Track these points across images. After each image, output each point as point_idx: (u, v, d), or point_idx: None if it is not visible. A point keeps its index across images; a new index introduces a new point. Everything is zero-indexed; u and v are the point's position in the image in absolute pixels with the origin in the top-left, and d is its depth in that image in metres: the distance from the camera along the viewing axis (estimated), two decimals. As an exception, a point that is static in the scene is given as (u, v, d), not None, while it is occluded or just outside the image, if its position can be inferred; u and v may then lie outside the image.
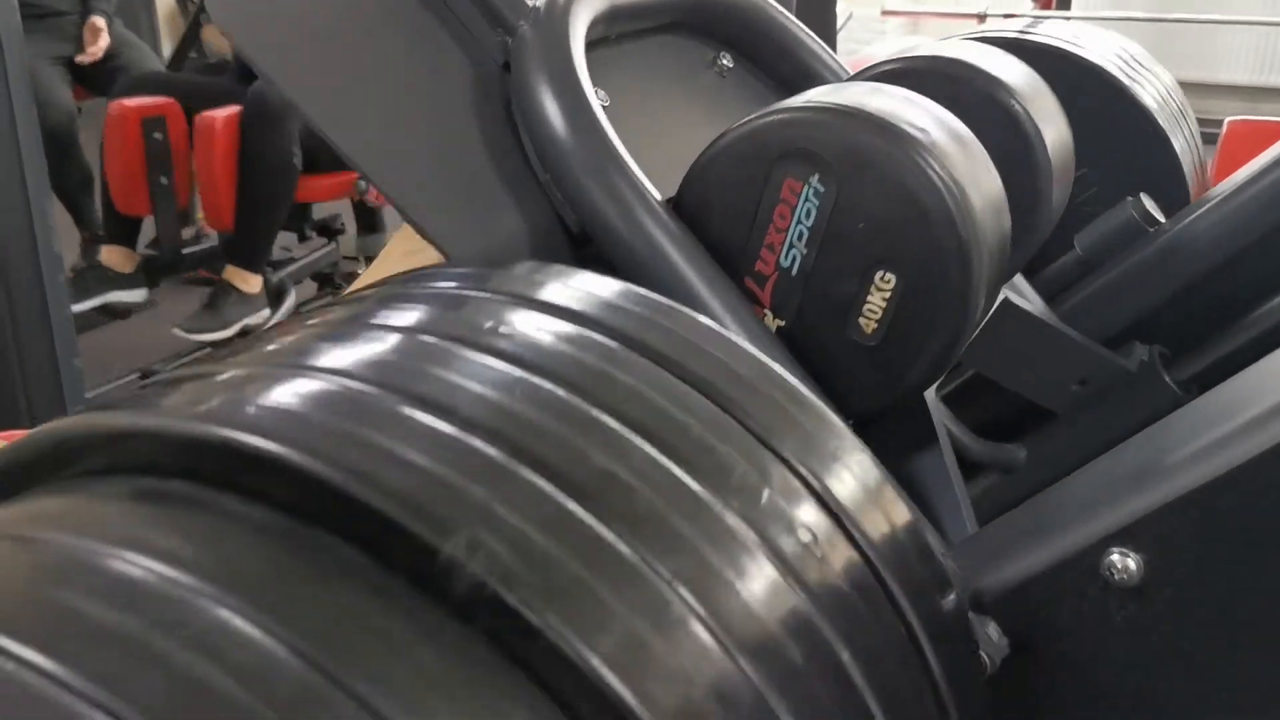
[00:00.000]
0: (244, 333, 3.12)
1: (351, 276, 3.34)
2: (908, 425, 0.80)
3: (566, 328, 0.45)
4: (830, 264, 0.71)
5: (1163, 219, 1.06)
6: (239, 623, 0.31)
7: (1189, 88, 1.46)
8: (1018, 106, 0.89)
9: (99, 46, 3.54)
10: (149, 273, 3.21)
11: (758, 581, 0.39)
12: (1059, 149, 0.94)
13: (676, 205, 0.74)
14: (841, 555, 0.43)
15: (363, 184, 3.24)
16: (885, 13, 5.48)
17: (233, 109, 3.04)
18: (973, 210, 0.70)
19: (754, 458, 0.43)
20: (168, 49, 4.96)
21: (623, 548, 0.36)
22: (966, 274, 0.70)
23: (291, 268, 3.33)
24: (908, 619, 0.45)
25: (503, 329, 0.44)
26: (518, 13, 0.79)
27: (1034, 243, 0.93)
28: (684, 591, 0.36)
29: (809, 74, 1.03)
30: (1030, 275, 1.09)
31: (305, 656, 0.30)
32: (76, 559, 0.33)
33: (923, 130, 0.70)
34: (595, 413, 0.41)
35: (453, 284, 0.50)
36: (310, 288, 3.55)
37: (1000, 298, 0.96)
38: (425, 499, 0.34)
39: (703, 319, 0.49)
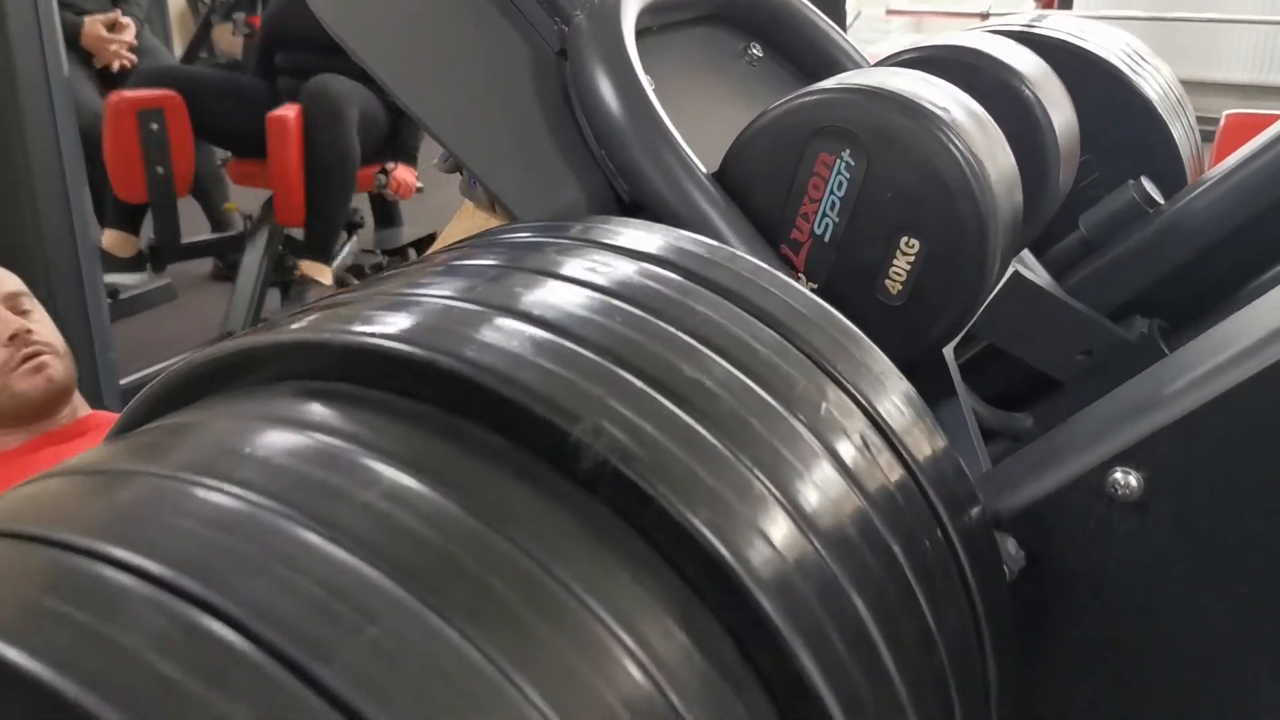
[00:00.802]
0: None
1: (378, 268, 3.40)
2: (929, 379, 0.87)
3: (650, 268, 0.53)
4: (859, 231, 0.79)
5: (1162, 201, 1.13)
6: (412, 481, 0.38)
7: (1188, 85, 1.53)
8: (1029, 92, 0.96)
9: (125, 39, 3.60)
10: (150, 259, 3.28)
11: (819, 474, 0.46)
12: (1066, 133, 1.01)
13: (719, 178, 0.82)
14: (887, 462, 0.50)
15: (382, 178, 3.31)
16: (890, 12, 5.56)
17: (294, 107, 3.12)
18: (989, 183, 0.77)
19: (812, 377, 0.50)
20: (178, 49, 5.03)
21: (712, 440, 0.44)
22: (983, 240, 0.77)
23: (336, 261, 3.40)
24: (944, 524, 0.52)
25: (599, 268, 0.51)
26: (572, 4, 0.86)
27: (1042, 218, 1.00)
28: (762, 476, 0.44)
29: (831, 63, 1.10)
30: (1038, 254, 1.17)
31: (469, 510, 0.38)
32: (277, 437, 0.40)
33: (944, 109, 0.78)
34: (680, 334, 0.48)
35: (543, 235, 0.57)
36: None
37: (1010, 270, 1.03)
38: (556, 394, 0.42)
39: (764, 265, 0.56)
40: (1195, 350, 0.62)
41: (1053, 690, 0.63)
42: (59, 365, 1.48)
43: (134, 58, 3.63)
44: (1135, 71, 1.27)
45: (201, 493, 0.36)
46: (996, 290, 0.97)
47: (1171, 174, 1.25)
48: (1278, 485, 0.55)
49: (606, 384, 0.43)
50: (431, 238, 3.64)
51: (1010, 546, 0.62)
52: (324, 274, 3.23)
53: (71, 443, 1.45)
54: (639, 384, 0.44)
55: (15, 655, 0.29)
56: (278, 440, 0.39)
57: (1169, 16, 5.46)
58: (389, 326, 0.44)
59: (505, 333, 0.45)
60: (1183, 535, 0.58)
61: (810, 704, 0.41)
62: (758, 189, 0.81)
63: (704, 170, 0.80)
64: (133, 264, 3.32)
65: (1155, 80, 1.31)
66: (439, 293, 0.48)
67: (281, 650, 0.30)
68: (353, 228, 3.56)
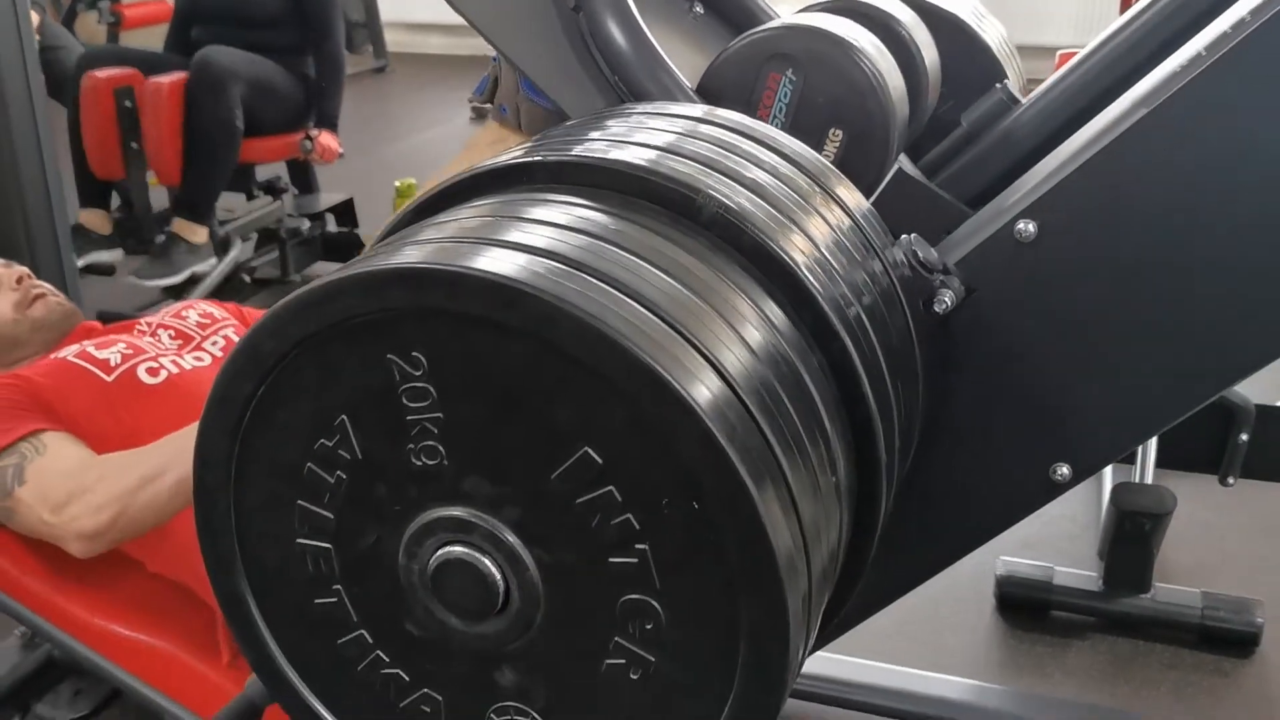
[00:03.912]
0: (193, 279, 3.43)
1: (294, 232, 3.65)
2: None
3: (702, 120, 0.86)
4: (800, 126, 1.13)
5: (1022, 100, 1.50)
6: (626, 225, 0.71)
7: (1020, 48, 1.92)
8: (906, 34, 1.32)
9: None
10: (121, 234, 3.48)
11: (823, 229, 0.80)
12: (931, 65, 1.37)
13: (699, 92, 1.15)
14: (851, 227, 0.85)
15: (308, 144, 3.56)
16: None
17: (178, 75, 3.34)
18: (889, 90, 1.13)
19: (808, 180, 0.85)
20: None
21: (769, 206, 0.77)
22: (886, 129, 1.13)
23: (237, 223, 3.63)
24: (884, 260, 0.87)
25: (676, 119, 0.85)
26: (583, -28, 1.19)
27: (918, 124, 1.36)
28: (797, 224, 0.78)
29: (752, 16, 1.45)
30: (916, 159, 1.53)
31: (658, 235, 0.71)
32: (528, 211, 0.72)
33: (855, 40, 1.13)
34: (737, 158, 0.82)
35: (639, 109, 0.91)
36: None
37: (895, 167, 1.39)
38: (688, 179, 0.75)
39: (774, 129, 0.90)
40: (1068, 146, 0.98)
41: (970, 389, 0.97)
42: (63, 297, 1.77)
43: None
44: (979, 26, 1.64)
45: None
46: (887, 181, 1.33)
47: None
48: (1119, 234, 0.88)
49: (709, 176, 0.77)
50: (349, 202, 3.89)
51: (954, 284, 0.94)
52: (196, 233, 3.48)
53: (71, 343, 1.71)
54: (728, 180, 0.78)
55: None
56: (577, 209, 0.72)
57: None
58: (591, 153, 0.77)
59: (654, 151, 0.78)
60: (1062, 264, 0.91)
61: (837, 348, 0.75)
62: (727, 99, 1.14)
63: (688, 84, 1.13)
64: (112, 241, 3.51)
65: (993, 32, 1.68)
66: (608, 136, 0.81)
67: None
68: (276, 192, 3.79)
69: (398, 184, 4.09)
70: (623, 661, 0.67)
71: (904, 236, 0.95)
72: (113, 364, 1.57)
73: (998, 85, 1.34)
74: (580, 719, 0.70)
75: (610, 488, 0.63)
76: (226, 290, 3.52)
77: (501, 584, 0.67)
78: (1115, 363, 0.93)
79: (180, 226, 3.46)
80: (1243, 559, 2.41)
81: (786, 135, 0.90)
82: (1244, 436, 2.17)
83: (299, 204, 3.83)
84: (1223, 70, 0.84)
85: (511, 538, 0.67)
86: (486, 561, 0.67)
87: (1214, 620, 2.14)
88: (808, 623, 0.66)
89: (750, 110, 1.14)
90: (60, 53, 3.75)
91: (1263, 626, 2.12)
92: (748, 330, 0.68)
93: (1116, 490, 2.20)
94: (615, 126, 0.85)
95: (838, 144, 1.13)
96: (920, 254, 0.93)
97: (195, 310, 1.82)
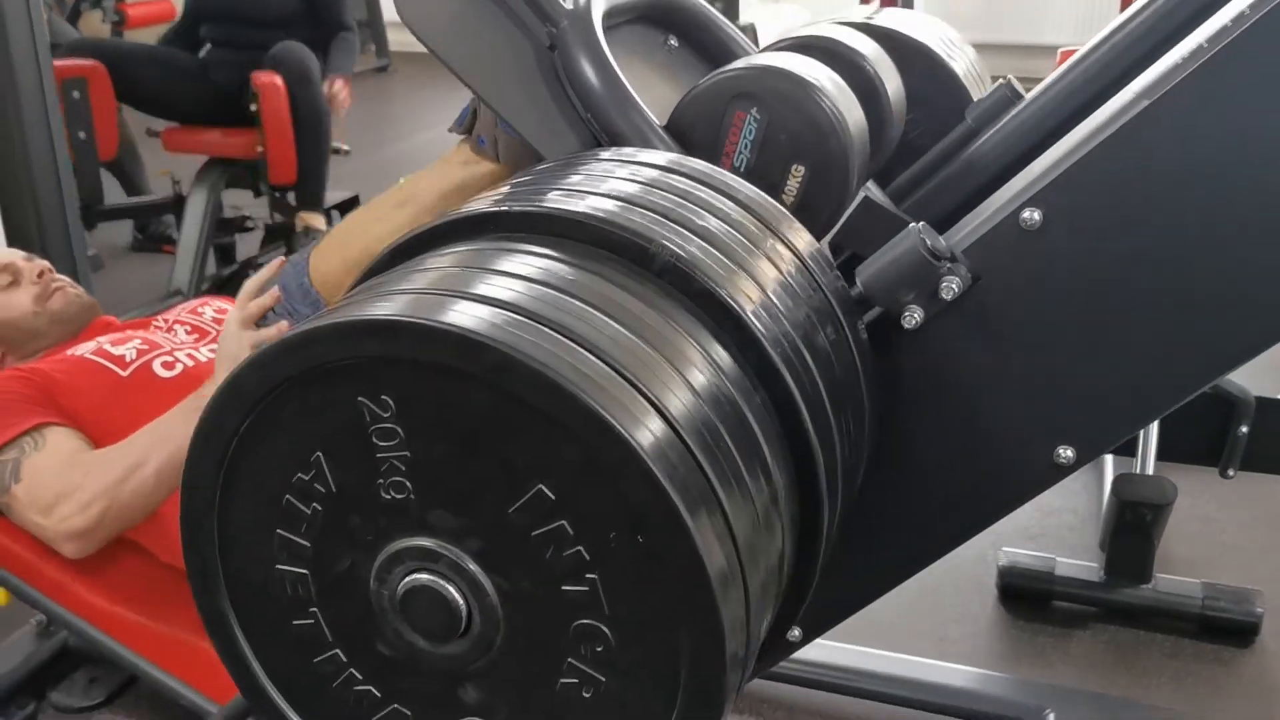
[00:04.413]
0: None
1: (309, 230, 3.73)
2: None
3: (662, 168, 0.92)
4: (764, 162, 1.18)
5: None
6: (581, 274, 0.76)
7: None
8: (869, 68, 1.38)
9: None
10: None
11: (770, 272, 0.86)
12: (895, 96, 1.43)
13: (668, 129, 1.20)
14: (800, 269, 0.91)
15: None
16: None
17: (273, 74, 3.45)
18: (848, 127, 1.18)
19: (759, 226, 0.90)
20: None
21: (718, 253, 0.83)
22: (846, 165, 1.18)
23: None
24: (829, 300, 0.93)
25: (638, 167, 0.90)
26: (557, 12, 1.24)
27: (882, 156, 1.42)
28: (746, 270, 0.83)
29: (727, 50, 1.50)
30: (887, 183, 1.59)
31: (611, 281, 0.77)
32: (492, 261, 0.78)
33: (816, 79, 1.18)
34: (693, 206, 0.87)
35: (614, 158, 0.96)
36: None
37: (862, 195, 1.45)
38: (642, 229, 0.80)
39: (728, 173, 0.96)
40: (1073, 136, 1.03)
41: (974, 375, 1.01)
42: (82, 290, 1.84)
43: None
44: (948, 54, 1.70)
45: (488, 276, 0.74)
46: (854, 209, 1.38)
47: (974, 127, 1.68)
48: (1122, 222, 0.92)
49: (664, 226, 0.82)
50: (355, 200, 3.95)
51: (961, 271, 0.98)
52: (320, 221, 3.64)
53: (87, 339, 1.77)
54: (680, 228, 0.83)
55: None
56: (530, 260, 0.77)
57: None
58: (554, 204, 0.83)
59: (609, 200, 0.84)
60: (1065, 251, 0.95)
61: (780, 387, 0.80)
62: (695, 136, 1.20)
63: (657, 122, 1.18)
64: None
65: (962, 59, 1.74)
66: (572, 185, 0.87)
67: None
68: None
69: (403, 181, 4.15)
70: (576, 681, 0.73)
71: (912, 225, 1.01)
72: (128, 359, 1.64)
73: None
74: (538, 732, 0.76)
75: (563, 522, 0.69)
76: (231, 286, 3.58)
77: (464, 609, 0.73)
78: (1118, 347, 0.96)
79: (309, 219, 3.62)
80: (1242, 551, 2.44)
81: (741, 181, 0.96)
82: (1244, 429, 2.21)
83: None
84: (1223, 62, 0.86)
85: (473, 566, 0.72)
86: (450, 588, 0.73)
87: (1214, 610, 2.17)
88: (746, 643, 0.72)
89: (718, 146, 1.19)
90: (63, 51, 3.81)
91: (1262, 616, 2.16)
92: (693, 373, 0.73)
93: (1118, 481, 2.23)
94: (580, 175, 0.91)
95: (800, 179, 1.18)
96: (929, 242, 0.98)
97: (210, 306, 1.89)
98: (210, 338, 1.81)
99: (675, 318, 0.77)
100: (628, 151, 0.99)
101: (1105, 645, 2.18)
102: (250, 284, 1.45)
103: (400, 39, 7.49)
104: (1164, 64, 1.07)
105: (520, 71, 1.20)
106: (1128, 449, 2.31)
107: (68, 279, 1.86)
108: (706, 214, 0.87)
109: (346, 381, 0.71)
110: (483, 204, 0.85)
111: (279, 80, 3.46)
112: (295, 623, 0.79)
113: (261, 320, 1.42)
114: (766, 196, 0.96)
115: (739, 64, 1.21)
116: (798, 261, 0.92)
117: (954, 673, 2.02)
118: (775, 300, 0.84)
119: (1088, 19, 6.36)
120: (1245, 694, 2.05)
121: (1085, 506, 2.59)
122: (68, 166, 2.59)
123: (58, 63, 3.39)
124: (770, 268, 0.87)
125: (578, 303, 0.73)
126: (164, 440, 1.43)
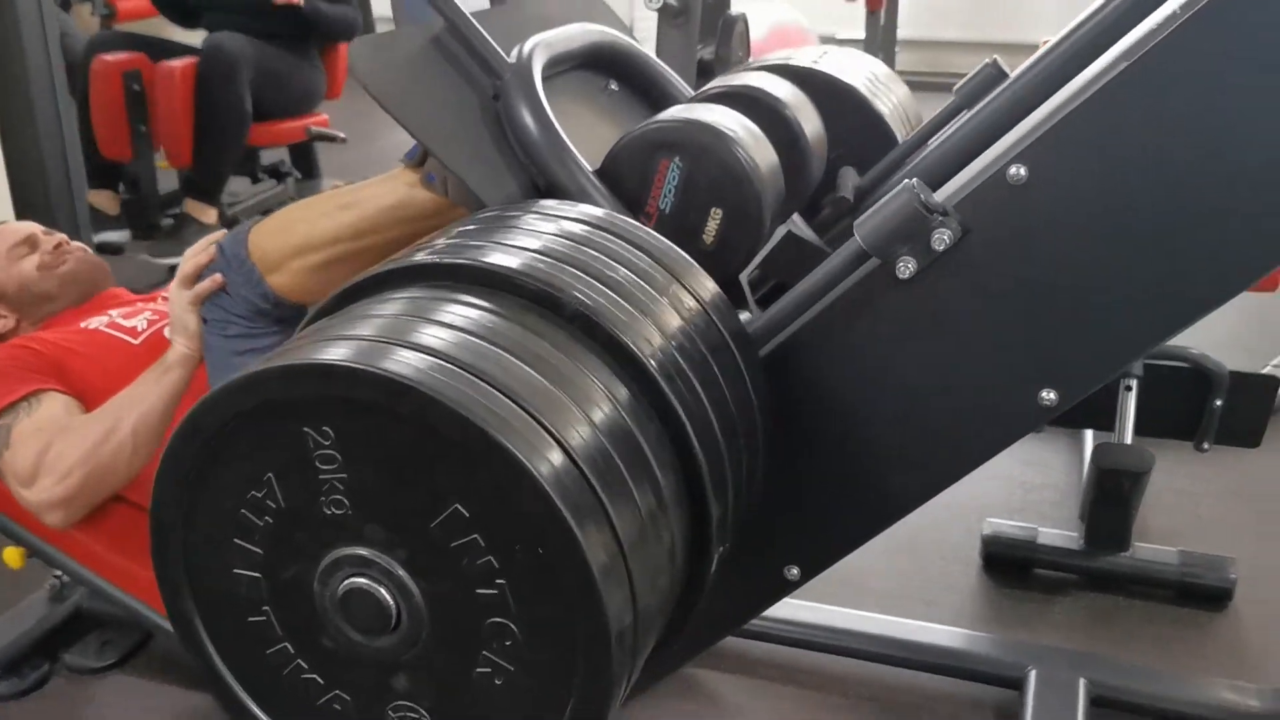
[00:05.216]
0: None
1: (187, 219, 3.81)
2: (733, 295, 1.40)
3: (582, 223, 1.04)
4: (686, 205, 1.31)
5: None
6: (497, 320, 0.89)
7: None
8: (789, 114, 1.51)
9: None
10: (128, 214, 3.68)
11: (672, 320, 0.99)
12: (815, 138, 1.56)
13: (600, 174, 1.33)
14: (703, 316, 1.03)
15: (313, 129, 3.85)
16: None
17: (189, 59, 3.54)
18: (761, 174, 1.31)
19: (666, 277, 1.03)
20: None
21: (625, 304, 0.95)
22: (759, 208, 1.31)
23: (244, 205, 3.87)
24: (725, 337, 1.05)
25: (561, 222, 1.03)
26: (501, 66, 1.36)
27: (804, 192, 1.55)
28: (649, 319, 0.96)
29: (663, 93, 1.63)
30: (810, 217, 1.72)
31: (522, 326, 0.89)
32: (422, 310, 0.90)
33: (733, 130, 1.31)
34: (605, 259, 1.00)
35: (532, 210, 1.08)
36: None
37: (785, 229, 1.58)
38: (556, 280, 0.93)
39: (639, 225, 1.08)
40: (1058, 97, 1.13)
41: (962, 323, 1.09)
42: (91, 252, 1.95)
43: None
44: (873, 94, 1.83)
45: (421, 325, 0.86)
46: (776, 243, 1.51)
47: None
48: (1101, 176, 1.00)
49: (576, 277, 0.95)
50: None
51: (952, 224, 1.06)
52: (207, 214, 3.69)
53: (99, 312, 1.88)
54: (589, 279, 0.96)
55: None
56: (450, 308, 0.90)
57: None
58: (481, 258, 0.95)
59: (532, 256, 0.96)
60: (1049, 205, 1.03)
61: (675, 425, 0.93)
62: (624, 181, 1.32)
63: (589, 169, 1.31)
64: (119, 222, 3.71)
65: (888, 99, 1.87)
66: (500, 240, 0.99)
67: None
68: (280, 176, 4.00)
69: (335, 184, 4.26)
70: (489, 670, 0.85)
71: (906, 181, 1.09)
72: (139, 329, 1.75)
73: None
74: (459, 715, 0.89)
75: (475, 535, 0.82)
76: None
77: (394, 608, 0.85)
78: (1096, 294, 1.03)
79: (191, 207, 3.68)
80: (1216, 521, 2.54)
81: (654, 235, 1.08)
82: (1218, 402, 2.31)
83: (301, 188, 4.02)
84: (1194, 28, 0.94)
85: (401, 572, 0.85)
86: (382, 590, 0.85)
87: (1190, 576, 2.25)
88: (635, 638, 0.85)
89: (644, 191, 1.32)
90: (66, 39, 3.90)
91: (1235, 582, 2.24)
92: (593, 409, 0.86)
93: (1097, 450, 2.30)
94: (509, 229, 1.03)
95: (718, 220, 1.31)
96: (923, 197, 1.07)
97: None
98: None
99: (582, 360, 0.90)
100: (554, 206, 1.11)
101: (1085, 610, 2.26)
102: (191, 249, 1.57)
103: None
104: (1140, 30, 1.15)
105: (467, 122, 1.32)
106: (1106, 424, 2.39)
107: (81, 245, 1.97)
108: (619, 265, 1.00)
109: (293, 415, 0.83)
110: (421, 255, 0.97)
111: (179, 67, 3.54)
112: (250, 619, 0.91)
113: (199, 279, 1.54)
114: (675, 248, 1.09)
115: (664, 115, 1.34)
116: (698, 306, 1.04)
117: (940, 633, 2.10)
118: (672, 341, 0.97)
119: (1068, 16, 6.50)
120: (1220, 655, 2.13)
121: (1066, 482, 2.69)
122: (77, 154, 2.70)
123: (111, 56, 3.52)
124: (672, 313, 1.00)
125: (494, 348, 0.85)
126: (135, 401, 1.53)
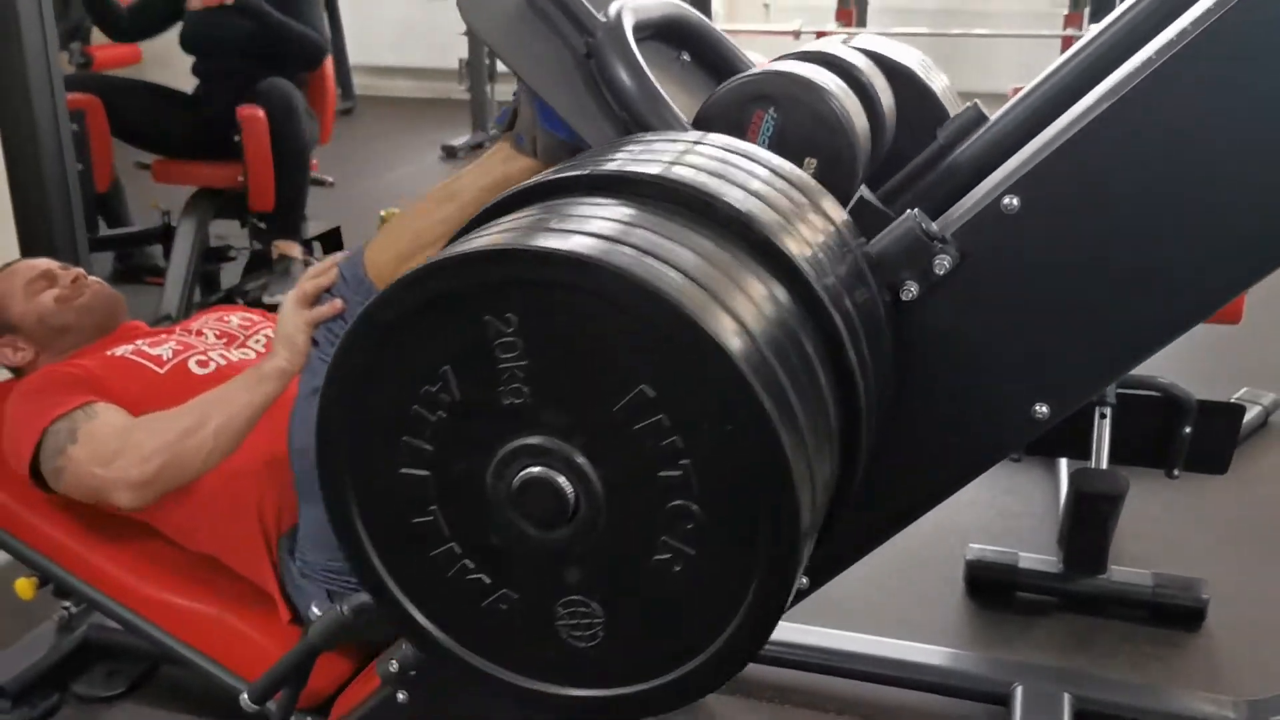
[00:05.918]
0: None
1: (284, 258, 3.83)
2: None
3: (717, 145, 1.07)
4: (780, 154, 1.34)
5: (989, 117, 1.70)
6: (647, 216, 0.91)
7: (973, 95, 2.15)
8: (866, 80, 1.54)
9: None
10: None
11: (813, 230, 1.01)
12: (888, 107, 1.59)
13: (695, 125, 1.35)
14: (834, 231, 1.05)
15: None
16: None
17: (256, 107, 3.60)
18: (853, 126, 1.34)
19: (801, 196, 1.05)
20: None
21: (775, 212, 0.97)
22: (853, 160, 1.34)
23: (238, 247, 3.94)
24: (858, 259, 1.07)
25: (696, 144, 1.05)
26: (593, 24, 1.39)
27: (878, 157, 1.58)
28: (793, 227, 0.98)
29: (732, 65, 1.66)
30: (875, 188, 1.75)
31: (694, 229, 0.91)
32: (579, 210, 0.92)
33: (825, 83, 1.34)
34: (743, 173, 1.02)
35: (655, 136, 1.10)
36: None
37: (857, 194, 1.61)
38: (709, 185, 0.95)
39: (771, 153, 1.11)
40: (1051, 129, 1.17)
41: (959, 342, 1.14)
42: (107, 287, 1.97)
43: None
44: (927, 75, 1.87)
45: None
46: (851, 205, 1.53)
47: (951, 141, 1.85)
48: (1091, 207, 1.05)
49: (728, 186, 0.97)
50: (336, 231, 4.06)
51: (951, 250, 1.11)
52: (295, 249, 3.81)
53: (124, 342, 1.89)
54: (741, 190, 0.98)
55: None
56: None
57: (948, 33, 6.47)
58: (628, 167, 0.97)
59: (674, 165, 0.98)
60: (1041, 233, 1.08)
61: (828, 324, 0.94)
62: (718, 132, 1.35)
63: (686, 121, 1.34)
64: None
65: (939, 82, 1.92)
66: (634, 155, 1.01)
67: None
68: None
69: (383, 213, 4.26)
70: (668, 556, 0.86)
71: (909, 211, 1.14)
72: (165, 359, 1.76)
73: (969, 104, 1.56)
74: (631, 608, 0.89)
75: (661, 415, 0.83)
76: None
77: (572, 496, 0.86)
78: (1085, 315, 1.09)
79: (285, 246, 3.79)
80: (1188, 545, 2.65)
81: (782, 160, 1.11)
82: (1187, 430, 2.43)
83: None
84: (1170, 71, 0.99)
85: (580, 459, 0.86)
86: (561, 479, 0.86)
87: (1164, 598, 2.35)
88: (812, 516, 0.86)
89: (739, 142, 1.34)
90: None
91: (1208, 603, 2.34)
92: (760, 301, 0.88)
93: (1075, 475, 2.40)
94: (636, 150, 1.05)
95: (813, 170, 1.33)
96: (924, 225, 1.12)
97: (236, 314, 2.01)
98: (239, 342, 1.92)
99: (739, 257, 0.91)
100: (674, 133, 1.13)
101: (1065, 630, 2.35)
102: (311, 270, 1.58)
103: (364, 83, 7.64)
104: (1130, 65, 1.23)
105: (562, 73, 1.35)
106: (1081, 453, 2.48)
107: (98, 279, 1.99)
108: (756, 180, 1.02)
109: (475, 303, 0.84)
110: (556, 174, 0.99)
111: (261, 113, 3.60)
112: (415, 520, 0.92)
113: (316, 302, 1.54)
114: (804, 173, 1.11)
115: (757, 70, 1.37)
116: (833, 228, 1.07)
117: (929, 652, 2.17)
118: (819, 254, 0.99)
119: (1033, 65, 6.65)
120: (1194, 673, 2.23)
121: (1043, 509, 2.78)
122: (76, 180, 2.74)
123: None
124: (812, 228, 1.02)
125: (660, 237, 0.87)
126: (224, 403, 1.54)
